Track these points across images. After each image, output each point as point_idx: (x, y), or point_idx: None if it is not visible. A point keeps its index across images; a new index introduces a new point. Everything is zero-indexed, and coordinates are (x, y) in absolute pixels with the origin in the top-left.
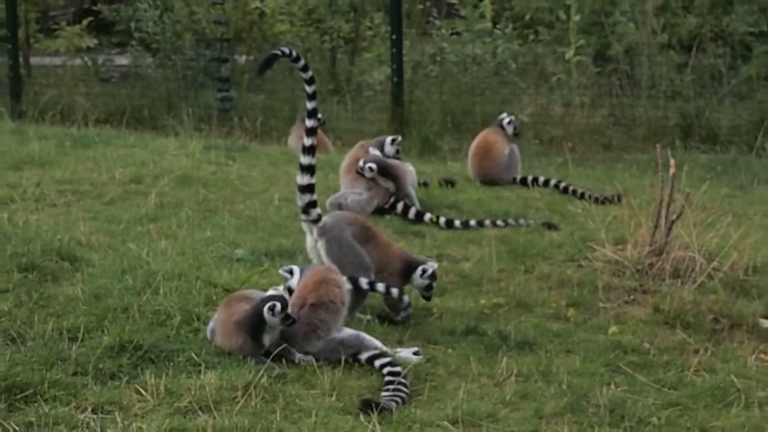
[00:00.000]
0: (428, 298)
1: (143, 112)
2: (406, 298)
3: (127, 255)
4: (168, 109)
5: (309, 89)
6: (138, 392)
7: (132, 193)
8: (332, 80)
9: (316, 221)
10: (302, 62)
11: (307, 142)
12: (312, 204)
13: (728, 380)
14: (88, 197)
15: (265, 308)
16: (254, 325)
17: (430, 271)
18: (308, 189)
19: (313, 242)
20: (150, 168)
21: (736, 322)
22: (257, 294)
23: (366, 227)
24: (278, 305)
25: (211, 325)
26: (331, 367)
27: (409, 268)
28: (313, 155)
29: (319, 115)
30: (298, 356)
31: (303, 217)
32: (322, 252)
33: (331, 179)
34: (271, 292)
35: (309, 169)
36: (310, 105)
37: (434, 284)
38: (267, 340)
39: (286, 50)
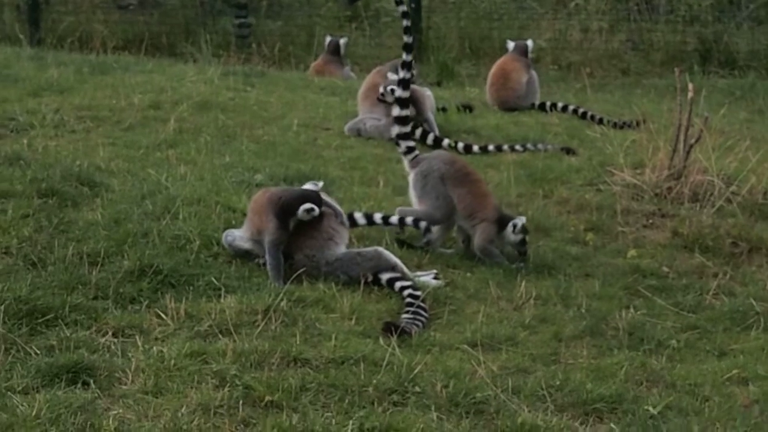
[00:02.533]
0: (524, 253)
1: (161, 39)
2: (423, 223)
3: (147, 180)
4: (186, 36)
5: (406, 22)
6: (158, 316)
7: (151, 119)
8: (350, 6)
9: (405, 153)
10: (403, 7)
11: (404, 75)
12: (402, 136)
13: (747, 303)
14: (107, 123)
15: (301, 209)
16: (285, 210)
17: (519, 224)
18: (403, 120)
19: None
20: (168, 94)
21: (754, 245)
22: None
23: (464, 172)
24: (315, 209)
25: (228, 236)
26: (350, 291)
27: (503, 221)
28: (409, 88)
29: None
30: None
31: (399, 149)
32: (410, 184)
33: (350, 105)
34: (309, 185)
35: (404, 103)
36: (406, 38)
37: (527, 238)
38: (292, 225)
39: None
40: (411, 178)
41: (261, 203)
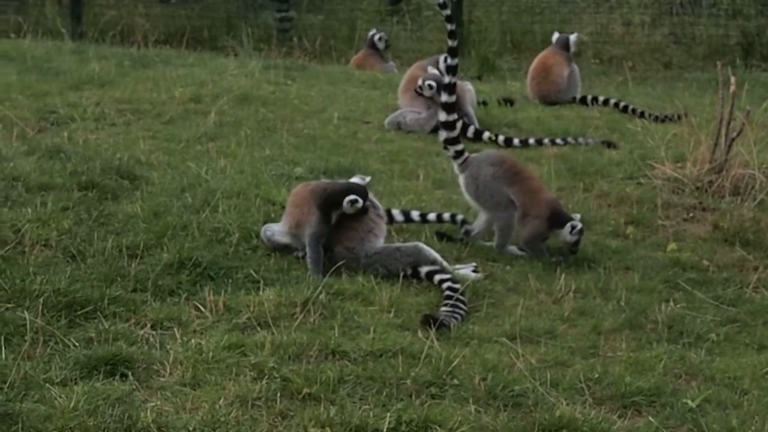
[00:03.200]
0: (575, 253)
1: (203, 33)
2: (459, 216)
3: (186, 173)
4: (227, 30)
5: (450, 26)
6: (197, 308)
7: (191, 113)
8: (395, 5)
9: (454, 158)
10: (448, 11)
11: (450, 79)
12: (450, 141)
13: None
14: (148, 116)
15: (346, 200)
16: (330, 202)
17: (579, 227)
18: (450, 126)
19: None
20: (209, 87)
21: None
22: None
23: (514, 170)
24: (360, 201)
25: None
26: (389, 284)
27: (558, 218)
28: (454, 92)
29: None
30: None
31: (447, 152)
32: (462, 186)
33: (391, 98)
34: (356, 179)
35: (450, 107)
36: (451, 42)
37: (581, 240)
38: (334, 218)
39: None
40: (462, 181)
41: (302, 196)
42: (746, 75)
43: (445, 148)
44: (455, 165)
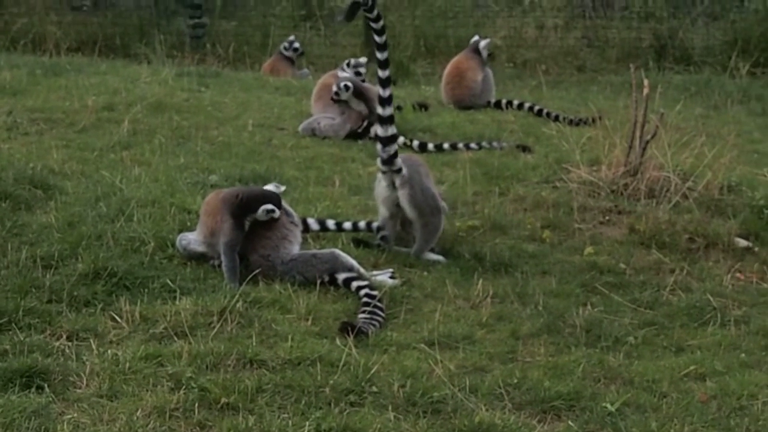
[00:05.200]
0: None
1: (115, 40)
2: (375, 223)
3: (101, 182)
4: (140, 37)
5: (379, 39)
6: (113, 319)
7: (105, 121)
8: (305, 5)
9: (399, 171)
10: (375, 12)
11: (384, 93)
12: (396, 154)
13: (704, 299)
14: (61, 125)
15: (261, 209)
16: (243, 208)
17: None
18: (392, 140)
19: (389, 191)
20: (123, 96)
21: (711, 241)
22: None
23: (426, 167)
24: (276, 210)
25: (182, 240)
26: (306, 292)
27: None
28: (391, 105)
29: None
30: None
31: (384, 168)
32: (404, 200)
33: (305, 105)
34: (270, 187)
35: (390, 120)
36: (380, 55)
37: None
38: (247, 224)
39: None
40: (404, 194)
41: (214, 204)
42: (659, 77)
43: (389, 162)
44: (397, 179)
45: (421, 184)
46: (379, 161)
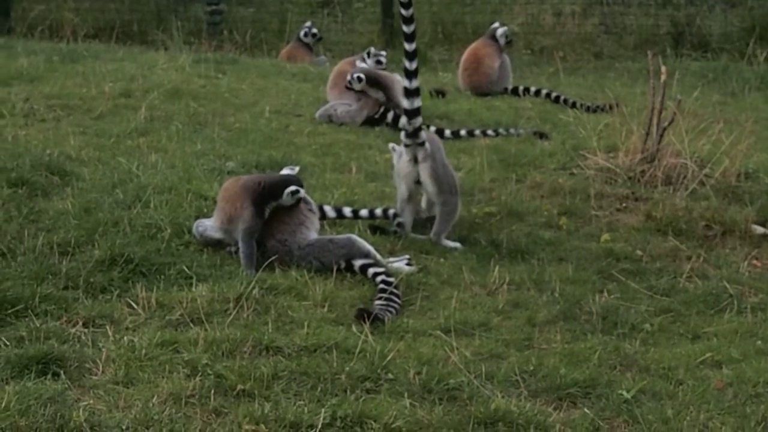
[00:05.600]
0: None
1: (132, 27)
2: (392, 210)
3: (118, 169)
4: (157, 24)
5: (406, 13)
6: (129, 305)
7: (122, 108)
8: None
9: (422, 144)
10: (410, 11)
11: (411, 66)
12: (420, 127)
13: (720, 286)
14: (78, 112)
15: (287, 192)
16: (266, 195)
17: None
18: (417, 112)
19: (410, 166)
20: (140, 82)
21: (728, 228)
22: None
23: (443, 147)
24: (301, 191)
25: (199, 226)
26: (323, 279)
27: None
28: (417, 78)
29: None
30: None
31: (409, 141)
32: (426, 174)
33: (322, 91)
34: (286, 171)
35: (416, 93)
36: (407, 29)
37: None
38: (268, 212)
39: None
40: (426, 167)
41: (234, 191)
42: (677, 64)
43: (414, 135)
44: (420, 153)
45: (442, 159)
46: (403, 134)
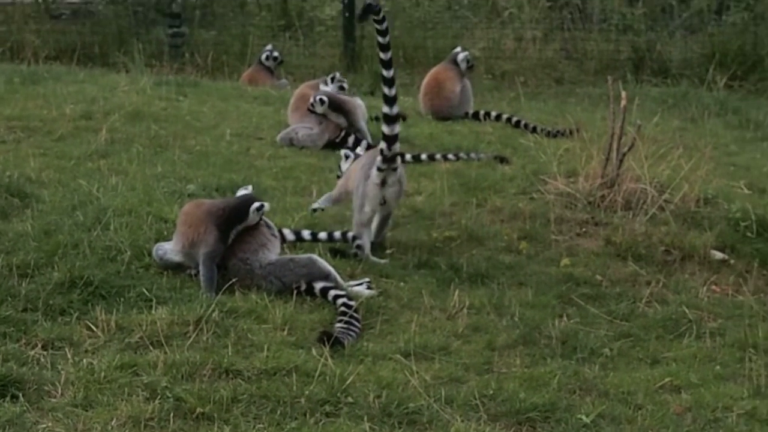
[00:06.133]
0: None
1: (94, 49)
2: (351, 233)
3: (78, 191)
4: (119, 46)
5: (382, 40)
6: (89, 328)
7: (82, 130)
8: (284, 16)
9: (395, 169)
10: (381, 15)
11: (390, 92)
12: (398, 153)
13: (680, 311)
14: (38, 134)
15: (253, 208)
16: (232, 218)
17: None
18: (396, 138)
19: (377, 189)
20: (100, 104)
21: (687, 253)
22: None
23: None
24: (266, 206)
25: (159, 250)
26: (283, 302)
27: None
28: (396, 104)
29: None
30: None
31: (384, 165)
32: (393, 197)
33: (283, 114)
34: (243, 191)
35: (395, 119)
36: (384, 56)
37: None
38: (232, 236)
39: (375, 4)
40: (395, 191)
41: (197, 216)
42: (637, 89)
43: (392, 161)
44: (392, 177)
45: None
46: (379, 161)
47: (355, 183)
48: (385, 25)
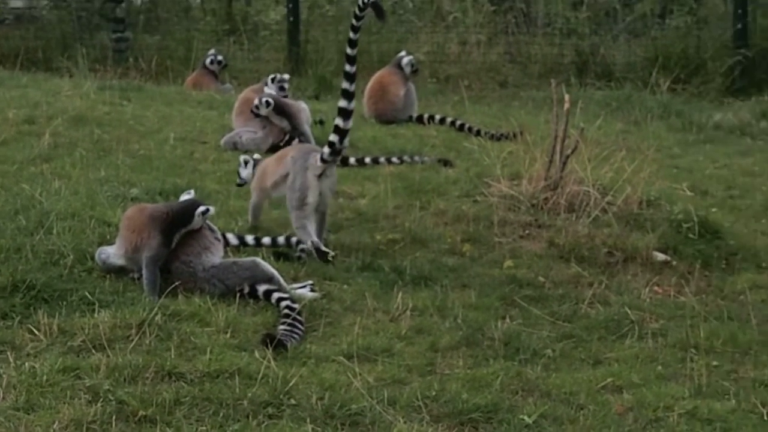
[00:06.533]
0: None
1: (37, 54)
2: (294, 238)
3: (20, 195)
4: (63, 51)
5: (353, 36)
6: (31, 332)
7: (25, 134)
8: (228, 20)
9: (335, 162)
10: (363, 14)
11: (350, 87)
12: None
13: (622, 312)
14: None
15: (198, 211)
16: (177, 222)
17: None
18: (347, 133)
19: (316, 180)
20: (43, 109)
21: (630, 255)
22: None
23: None
24: (211, 209)
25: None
26: (226, 305)
27: None
28: (353, 99)
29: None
30: None
31: (330, 158)
32: (331, 190)
33: (227, 118)
34: (186, 196)
35: (351, 114)
36: (350, 51)
37: None
38: (175, 240)
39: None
40: (332, 182)
41: (140, 221)
42: (581, 93)
43: (339, 153)
44: (330, 170)
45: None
46: (326, 152)
47: (274, 178)
48: (360, 22)
